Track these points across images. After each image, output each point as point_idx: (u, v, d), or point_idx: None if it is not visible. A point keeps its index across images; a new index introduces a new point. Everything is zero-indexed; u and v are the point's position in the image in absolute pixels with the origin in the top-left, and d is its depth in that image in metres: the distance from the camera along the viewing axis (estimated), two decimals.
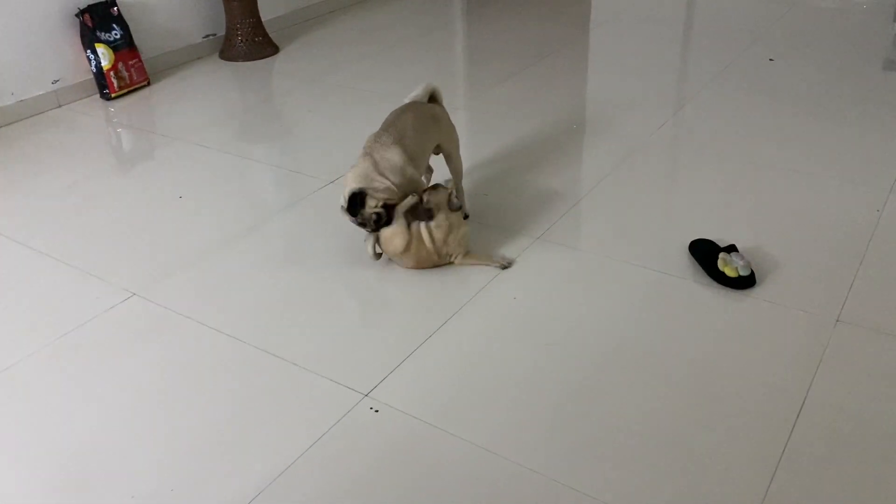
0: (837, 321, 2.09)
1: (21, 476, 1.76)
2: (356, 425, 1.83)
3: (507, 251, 2.46)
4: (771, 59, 3.96)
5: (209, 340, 2.14)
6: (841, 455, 1.70)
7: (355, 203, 2.33)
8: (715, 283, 2.25)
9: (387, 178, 2.33)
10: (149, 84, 3.98)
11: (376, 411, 1.87)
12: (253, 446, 1.79)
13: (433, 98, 2.61)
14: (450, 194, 2.34)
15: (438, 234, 2.31)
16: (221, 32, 4.39)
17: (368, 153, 2.37)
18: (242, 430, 1.84)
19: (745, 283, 2.22)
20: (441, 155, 2.61)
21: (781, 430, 1.76)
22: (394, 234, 2.33)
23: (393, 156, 2.35)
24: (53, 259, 2.55)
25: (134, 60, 3.86)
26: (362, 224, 2.38)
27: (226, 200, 2.90)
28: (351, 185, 2.33)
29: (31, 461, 1.80)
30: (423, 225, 2.32)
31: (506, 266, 2.36)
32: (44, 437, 1.86)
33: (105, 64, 3.73)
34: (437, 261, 2.36)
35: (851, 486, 1.62)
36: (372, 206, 2.33)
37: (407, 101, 2.56)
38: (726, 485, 1.64)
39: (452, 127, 2.63)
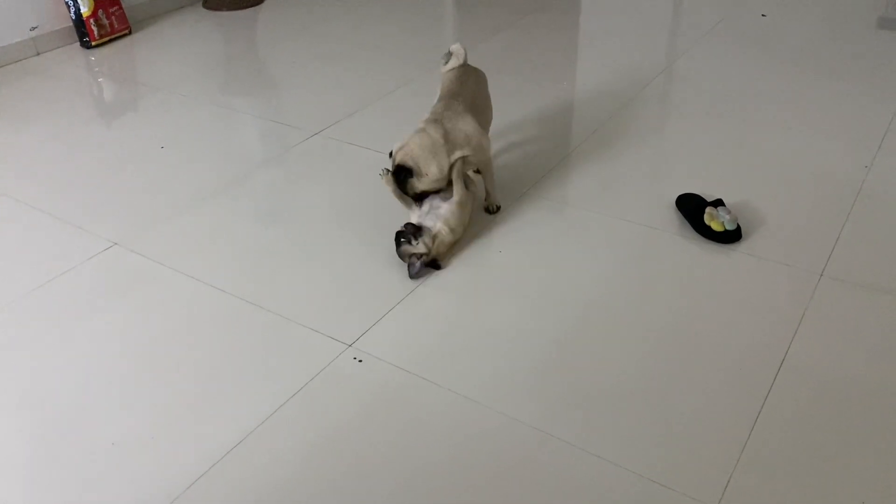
0: (822, 276, 2.09)
1: (2, 425, 1.75)
2: (340, 375, 1.83)
3: None
4: (763, 15, 3.91)
5: (192, 291, 2.12)
6: (820, 409, 1.71)
7: (400, 176, 2.17)
8: (701, 238, 2.24)
9: (454, 152, 2.18)
10: (130, 33, 3.89)
11: (360, 361, 1.86)
12: (236, 395, 1.79)
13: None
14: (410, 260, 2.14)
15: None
16: None
17: (437, 120, 2.20)
18: (226, 378, 1.84)
19: (731, 237, 2.22)
20: None
21: (762, 383, 1.77)
22: None
23: (466, 126, 2.21)
24: (33, 208, 2.51)
25: (115, 8, 3.77)
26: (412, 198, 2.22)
27: (209, 151, 2.85)
28: (404, 157, 2.15)
29: (13, 409, 1.79)
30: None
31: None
32: (25, 386, 1.85)
33: (84, 11, 3.64)
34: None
35: (830, 441, 1.64)
36: (417, 187, 2.18)
37: (449, 65, 2.42)
38: (706, 437, 1.65)
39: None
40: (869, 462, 1.59)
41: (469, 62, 2.46)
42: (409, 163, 2.16)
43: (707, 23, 3.83)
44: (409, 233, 2.12)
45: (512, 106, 3.06)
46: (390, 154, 2.23)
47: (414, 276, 2.11)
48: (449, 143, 2.18)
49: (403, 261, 2.14)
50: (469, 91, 2.33)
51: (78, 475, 1.62)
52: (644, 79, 3.27)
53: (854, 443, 1.63)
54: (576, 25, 3.99)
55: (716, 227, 2.22)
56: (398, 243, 2.14)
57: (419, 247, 2.11)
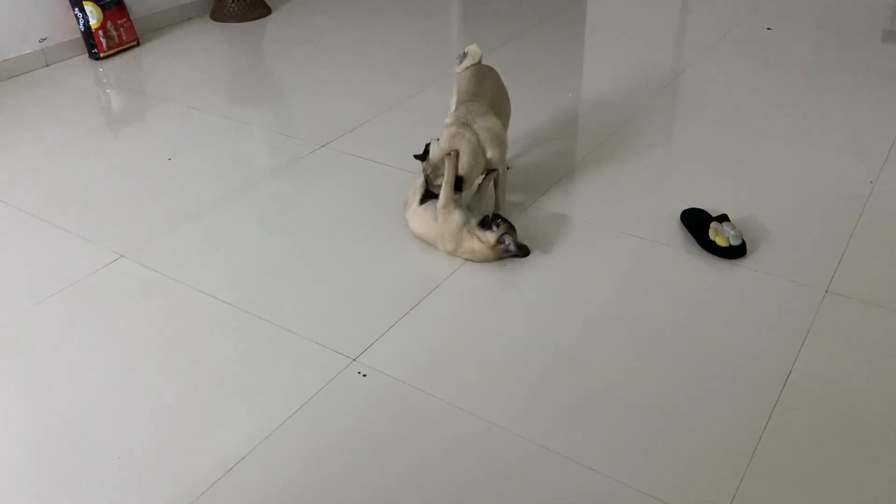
0: (827, 292, 2.09)
1: (7, 436, 1.76)
2: (344, 389, 1.83)
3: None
4: (769, 29, 3.92)
5: (198, 303, 2.13)
6: (825, 426, 1.71)
7: (424, 154, 2.23)
8: (706, 253, 2.24)
9: (490, 151, 2.23)
10: (138, 44, 3.92)
11: (364, 375, 1.87)
12: (241, 408, 1.79)
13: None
14: (500, 238, 2.19)
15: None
16: None
17: (466, 123, 2.23)
18: (231, 392, 1.84)
19: (735, 252, 2.22)
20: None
21: (767, 400, 1.76)
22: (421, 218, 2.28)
23: (493, 124, 2.25)
24: (40, 220, 2.53)
25: (123, 20, 3.80)
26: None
27: (216, 163, 2.87)
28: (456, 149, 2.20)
29: (18, 421, 1.80)
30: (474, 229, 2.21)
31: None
32: (30, 398, 1.86)
33: (93, 23, 3.67)
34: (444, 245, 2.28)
35: (835, 457, 1.64)
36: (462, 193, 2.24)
37: (462, 64, 2.45)
38: (710, 452, 1.65)
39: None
40: (874, 478, 1.58)
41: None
42: (462, 174, 2.21)
43: (712, 36, 3.84)
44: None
45: (517, 117, 3.06)
46: (426, 151, 2.25)
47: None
48: (481, 143, 2.23)
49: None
50: (488, 90, 2.35)
51: (83, 488, 1.62)
52: (649, 91, 3.28)
53: (859, 458, 1.62)
54: (581, 37, 4.01)
55: (721, 242, 2.22)
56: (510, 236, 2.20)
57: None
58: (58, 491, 1.62)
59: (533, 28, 4.03)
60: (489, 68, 2.48)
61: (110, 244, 2.38)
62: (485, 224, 2.21)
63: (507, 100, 2.48)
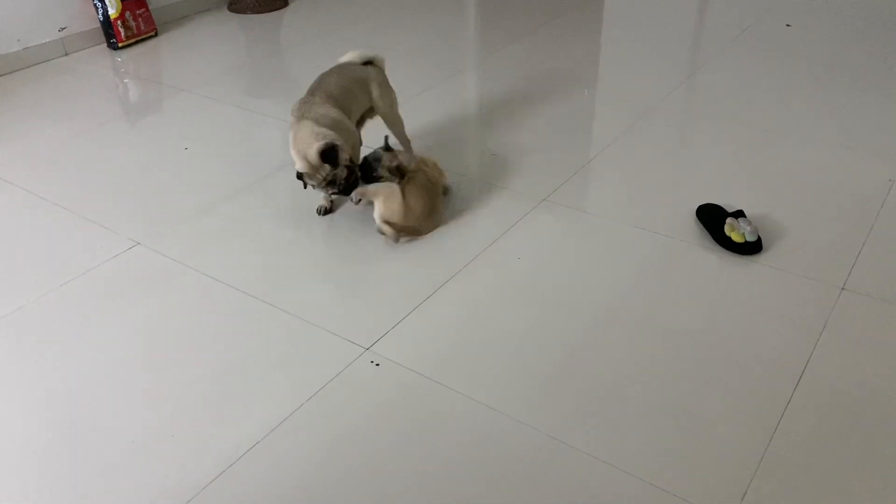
0: (843, 289, 2.07)
1: (24, 420, 1.78)
2: (357, 378, 1.84)
3: (514, 212, 2.44)
4: (788, 25, 3.88)
5: (213, 291, 2.14)
6: (838, 424, 1.69)
7: (333, 156, 2.20)
8: (721, 248, 2.23)
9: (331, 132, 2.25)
10: (156, 34, 3.94)
11: (377, 365, 1.87)
12: (254, 396, 1.81)
13: (371, 63, 2.53)
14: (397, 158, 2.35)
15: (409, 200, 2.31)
16: None
17: (302, 116, 2.27)
18: (244, 379, 1.86)
19: (751, 248, 2.20)
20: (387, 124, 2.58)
21: (780, 397, 1.76)
22: (392, 195, 2.30)
23: (329, 111, 2.27)
24: (58, 206, 2.55)
25: (142, 10, 3.82)
26: (330, 183, 2.26)
27: (232, 153, 2.88)
28: (314, 144, 2.19)
29: (34, 406, 1.82)
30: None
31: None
32: (46, 383, 1.88)
33: (112, 12, 3.69)
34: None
35: (849, 455, 1.63)
36: (345, 159, 2.24)
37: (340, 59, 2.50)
38: (721, 449, 1.64)
39: (386, 88, 2.52)
40: (888, 478, 1.57)
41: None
42: (328, 143, 2.22)
43: (731, 32, 3.81)
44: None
45: (532, 112, 3.07)
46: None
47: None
48: (320, 128, 2.24)
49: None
50: (327, 86, 2.36)
51: (96, 471, 1.64)
52: (667, 87, 3.26)
53: (874, 457, 1.61)
54: (598, 33, 3.99)
55: (736, 238, 2.21)
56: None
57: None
58: (70, 473, 1.64)
59: (548, 24, 4.02)
60: (347, 67, 2.48)
61: (127, 232, 2.40)
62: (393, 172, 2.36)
63: (351, 90, 2.43)
